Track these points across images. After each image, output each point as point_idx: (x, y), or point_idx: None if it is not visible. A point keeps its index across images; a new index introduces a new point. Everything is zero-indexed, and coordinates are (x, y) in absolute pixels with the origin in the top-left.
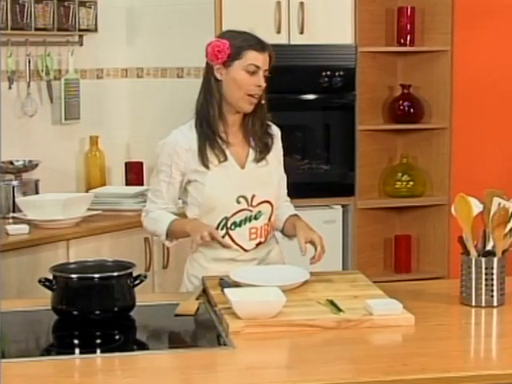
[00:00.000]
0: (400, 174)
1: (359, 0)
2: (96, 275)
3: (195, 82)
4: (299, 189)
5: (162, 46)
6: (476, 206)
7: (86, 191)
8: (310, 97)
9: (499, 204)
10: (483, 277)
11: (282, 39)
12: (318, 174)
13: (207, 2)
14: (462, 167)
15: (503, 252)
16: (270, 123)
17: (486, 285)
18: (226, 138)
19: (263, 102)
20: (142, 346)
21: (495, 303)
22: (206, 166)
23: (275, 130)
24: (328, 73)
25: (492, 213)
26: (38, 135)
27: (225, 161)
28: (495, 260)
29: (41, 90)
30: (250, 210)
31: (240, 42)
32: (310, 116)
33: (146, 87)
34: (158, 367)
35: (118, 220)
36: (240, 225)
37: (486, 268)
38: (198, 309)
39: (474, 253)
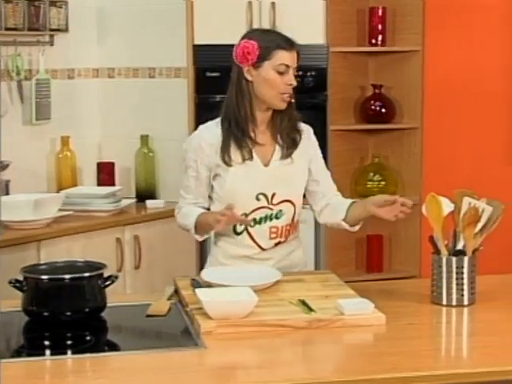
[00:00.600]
0: (372, 174)
1: (330, 0)
2: (67, 276)
3: (167, 81)
4: None
5: (134, 45)
6: (447, 206)
7: (58, 192)
8: None
9: (470, 204)
10: (454, 276)
11: None
12: None
13: (179, 2)
14: (433, 167)
15: (474, 251)
16: (301, 124)
17: (457, 284)
18: (254, 138)
19: (292, 100)
20: (114, 347)
21: (466, 302)
22: (227, 164)
23: (305, 128)
24: (299, 73)
25: (462, 212)
26: (9, 135)
27: (250, 159)
28: (466, 259)
29: (11, 90)
30: (271, 209)
31: (268, 42)
32: None
33: (118, 87)
34: (130, 368)
35: (89, 220)
36: (260, 222)
37: (456, 267)
38: (169, 309)
39: (444, 252)
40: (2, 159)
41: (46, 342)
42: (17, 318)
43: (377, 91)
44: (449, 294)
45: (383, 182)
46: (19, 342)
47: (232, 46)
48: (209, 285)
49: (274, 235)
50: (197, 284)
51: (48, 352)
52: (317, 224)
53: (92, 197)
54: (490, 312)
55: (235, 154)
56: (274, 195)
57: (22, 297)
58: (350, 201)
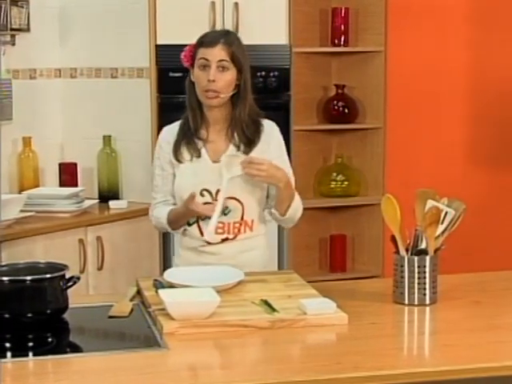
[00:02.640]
0: (335, 174)
1: (293, 0)
2: (28, 277)
3: (129, 82)
4: None
5: (96, 46)
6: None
7: (19, 192)
8: None
9: (431, 204)
10: (416, 275)
11: None
12: None
13: (141, 2)
14: (395, 167)
15: (435, 250)
16: (263, 121)
17: (419, 283)
18: (205, 136)
19: (248, 94)
20: (76, 349)
21: (428, 301)
22: (179, 161)
23: (268, 126)
24: (263, 73)
25: (424, 212)
26: None
27: (198, 157)
28: (427, 259)
29: None
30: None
31: (197, 43)
32: None
33: (80, 87)
34: (92, 369)
35: (51, 221)
36: (209, 216)
37: (418, 267)
38: (131, 310)
39: (403, 252)
40: None
41: (7, 344)
42: None
43: (340, 91)
44: (411, 294)
45: (346, 182)
46: None
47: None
48: (171, 285)
49: (220, 230)
50: (159, 285)
51: (9, 354)
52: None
53: (54, 197)
54: (452, 311)
55: (184, 151)
56: (218, 192)
57: None
58: None
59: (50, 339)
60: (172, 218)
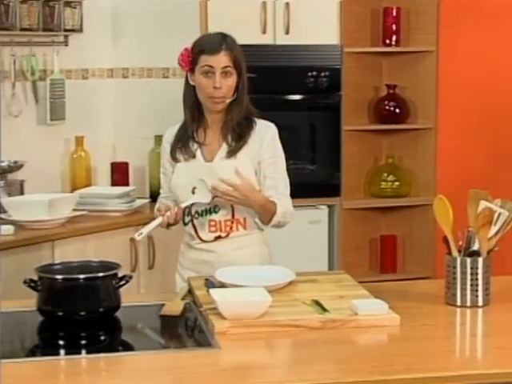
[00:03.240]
0: (386, 175)
1: (345, 0)
2: (81, 276)
3: (180, 82)
4: None
5: (148, 46)
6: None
7: (72, 192)
8: (296, 97)
9: (484, 205)
10: (468, 277)
11: (267, 39)
12: (304, 174)
13: (193, 3)
14: (447, 167)
15: (488, 252)
16: (259, 121)
17: (471, 285)
18: (201, 138)
19: (245, 96)
20: (128, 347)
21: (480, 303)
22: (175, 160)
23: (261, 129)
24: (314, 73)
25: (477, 213)
26: (24, 136)
27: (193, 158)
28: (480, 260)
29: (26, 90)
30: (206, 203)
31: (196, 48)
32: (295, 116)
33: (132, 87)
34: (144, 368)
35: (103, 220)
36: (202, 215)
37: (471, 268)
38: (183, 309)
39: (455, 253)
40: (17, 159)
41: (61, 342)
42: (31, 318)
43: (391, 91)
44: (463, 295)
45: (397, 183)
46: (34, 341)
47: (246, 46)
48: (223, 285)
49: (213, 228)
50: (211, 284)
51: (62, 352)
52: (330, 224)
53: (106, 197)
54: (505, 313)
55: (180, 153)
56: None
57: (36, 296)
58: None
59: (102, 337)
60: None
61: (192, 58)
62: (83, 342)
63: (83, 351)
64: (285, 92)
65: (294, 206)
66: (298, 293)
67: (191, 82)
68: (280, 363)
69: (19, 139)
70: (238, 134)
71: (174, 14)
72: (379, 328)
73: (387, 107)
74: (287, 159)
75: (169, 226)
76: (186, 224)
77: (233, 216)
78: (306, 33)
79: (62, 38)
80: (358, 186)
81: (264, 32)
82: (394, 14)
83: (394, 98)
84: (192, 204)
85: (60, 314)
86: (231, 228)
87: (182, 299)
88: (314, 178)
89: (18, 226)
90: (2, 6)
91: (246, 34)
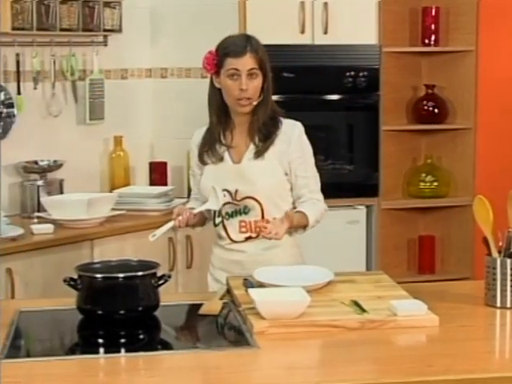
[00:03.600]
0: (424, 175)
1: (383, 0)
2: (120, 275)
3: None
4: (323, 189)
5: (186, 46)
6: None
7: (110, 191)
8: (334, 97)
9: None
10: (508, 278)
11: (305, 39)
12: (342, 174)
13: (231, 2)
14: (486, 168)
15: None
16: (284, 120)
17: None
18: (228, 141)
19: (270, 96)
20: (166, 346)
21: None
22: (203, 163)
23: (288, 129)
24: (352, 73)
25: None
26: (63, 135)
27: (221, 161)
28: None
29: (65, 90)
30: (236, 204)
31: (221, 51)
32: (333, 116)
33: (170, 87)
34: (182, 367)
35: (141, 220)
36: (232, 216)
37: (511, 269)
38: (222, 309)
39: (495, 254)
40: (56, 159)
41: (100, 340)
42: (71, 316)
43: (429, 91)
44: (503, 296)
45: (435, 183)
46: (73, 339)
47: (284, 46)
48: (261, 285)
49: (243, 229)
50: (249, 284)
51: (102, 350)
52: (368, 225)
53: (144, 196)
54: None
55: (208, 156)
56: (236, 191)
57: (76, 295)
58: (299, 208)
59: (141, 336)
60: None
61: (217, 60)
62: (122, 340)
63: (122, 350)
64: (323, 92)
65: (332, 206)
66: (336, 293)
67: (216, 85)
68: (318, 363)
69: (59, 139)
70: (264, 135)
71: (212, 13)
72: (418, 329)
73: (426, 107)
74: (325, 159)
75: (181, 228)
76: (216, 225)
77: (263, 217)
78: (344, 33)
79: (101, 38)
80: (396, 187)
81: (302, 32)
82: (433, 13)
83: (433, 97)
84: (207, 210)
85: (99, 312)
86: (261, 229)
87: (221, 299)
88: (352, 178)
89: (58, 224)
90: (43, 6)
91: (285, 34)
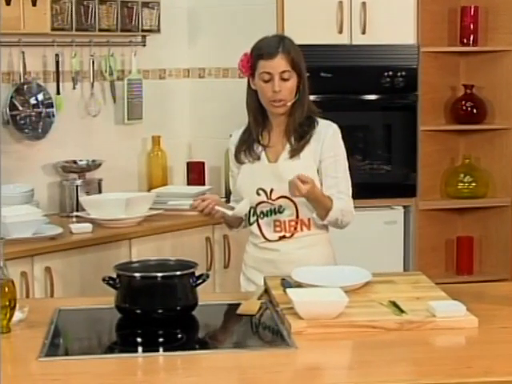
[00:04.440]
0: (462, 175)
1: (422, 0)
2: (159, 274)
3: None
4: (360, 189)
5: (224, 46)
6: None
7: (148, 191)
8: (372, 97)
9: None
10: None
11: (343, 39)
12: (380, 174)
13: (269, 2)
14: None
15: None
16: (320, 121)
17: None
18: (266, 141)
19: (306, 95)
20: (204, 345)
21: None
22: (240, 162)
23: (322, 128)
24: (390, 73)
25: None
26: (101, 135)
27: (258, 160)
28: None
29: (104, 90)
30: (271, 204)
31: (254, 53)
32: (371, 116)
33: (208, 87)
34: (220, 367)
35: (179, 219)
36: (267, 215)
37: None
38: (259, 308)
39: None
40: (95, 158)
41: (138, 339)
42: (109, 315)
43: (468, 91)
44: None
45: (474, 184)
46: (112, 338)
47: (322, 46)
48: (299, 285)
49: (278, 228)
50: (287, 284)
51: (140, 349)
52: (406, 225)
53: (182, 196)
54: None
55: (244, 156)
56: (272, 191)
57: (115, 294)
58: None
59: (179, 335)
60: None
61: (251, 63)
62: (160, 339)
63: (160, 349)
64: (361, 92)
65: (370, 207)
66: (374, 293)
67: (253, 87)
68: (356, 364)
69: (97, 139)
70: (300, 134)
71: (250, 13)
72: (457, 330)
73: (464, 107)
74: (363, 159)
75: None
76: (251, 224)
77: (297, 216)
78: (382, 33)
79: (139, 39)
80: (434, 187)
81: (340, 32)
82: (472, 12)
83: (472, 98)
84: (255, 208)
85: (138, 311)
86: (295, 228)
87: (258, 299)
88: (389, 178)
89: (96, 224)
90: (82, 7)
91: (322, 34)
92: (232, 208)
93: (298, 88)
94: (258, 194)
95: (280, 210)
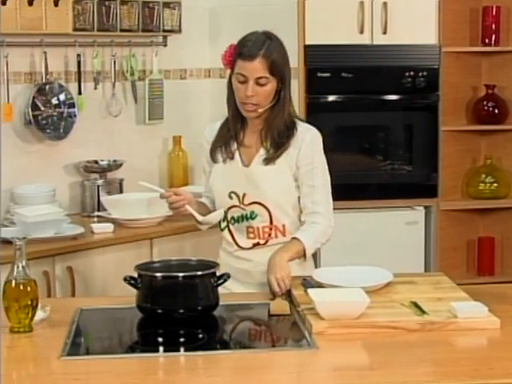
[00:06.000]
0: (484, 176)
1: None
2: (180, 274)
3: None
4: (381, 190)
5: None
6: None
7: None
8: (393, 97)
9: None
10: None
11: (364, 39)
12: (401, 174)
13: (290, 2)
14: None
15: None
16: (300, 126)
17: None
18: (242, 139)
19: (287, 101)
20: (225, 345)
21: None
22: (214, 161)
23: (300, 134)
24: (411, 73)
25: None
26: (123, 135)
27: (231, 159)
28: None
29: (125, 90)
30: (243, 209)
31: (237, 49)
32: (392, 116)
33: None
34: (241, 367)
35: None
36: (238, 221)
37: None
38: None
39: None
40: (116, 158)
41: (159, 339)
42: (130, 315)
43: (490, 91)
44: None
45: (495, 184)
46: (133, 338)
47: (343, 46)
48: (320, 285)
49: (251, 235)
50: (308, 284)
51: (161, 349)
52: (427, 226)
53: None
54: None
55: (220, 152)
56: (244, 195)
57: (136, 294)
58: (296, 234)
59: (200, 335)
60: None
61: (233, 58)
62: (182, 339)
63: (181, 349)
64: (382, 92)
65: (391, 207)
66: (395, 294)
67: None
68: (377, 365)
69: (119, 139)
70: (277, 143)
71: (271, 13)
72: (479, 331)
73: (486, 107)
74: (383, 160)
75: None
76: (222, 229)
77: (271, 222)
78: (403, 33)
79: (160, 39)
80: (455, 187)
81: (361, 32)
82: (494, 12)
83: (493, 98)
84: (226, 212)
85: (159, 311)
86: (270, 235)
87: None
88: (410, 178)
89: (117, 224)
90: (103, 7)
91: (344, 34)
92: (203, 205)
93: (279, 93)
94: (231, 197)
95: (252, 216)
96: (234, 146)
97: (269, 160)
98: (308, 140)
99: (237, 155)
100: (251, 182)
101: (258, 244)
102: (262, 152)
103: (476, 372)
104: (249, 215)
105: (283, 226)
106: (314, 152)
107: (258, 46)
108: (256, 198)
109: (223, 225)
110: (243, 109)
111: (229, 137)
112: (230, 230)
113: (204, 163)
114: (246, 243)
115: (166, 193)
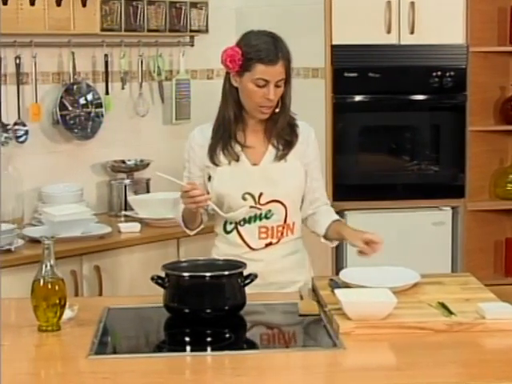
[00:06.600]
0: (511, 176)
1: None
2: (207, 274)
3: (304, 82)
4: (408, 190)
5: None
6: None
7: None
8: (420, 97)
9: None
10: None
11: (392, 39)
12: (428, 175)
13: (317, 3)
14: None
15: None
16: (298, 122)
17: None
18: (243, 140)
19: (289, 102)
20: (252, 345)
21: None
22: (216, 164)
23: (304, 128)
24: (438, 73)
25: None
26: (150, 135)
27: (236, 161)
28: None
29: (152, 90)
30: (259, 208)
31: (251, 53)
32: (419, 116)
33: None
34: (268, 366)
35: None
36: (249, 222)
37: None
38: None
39: None
40: (143, 158)
41: (187, 339)
42: (157, 314)
43: None
44: None
45: None
46: (160, 337)
47: (370, 46)
48: (347, 285)
49: (263, 235)
50: (335, 284)
51: (188, 348)
52: (454, 226)
53: None
54: None
55: (222, 155)
56: (261, 195)
57: (163, 293)
58: (331, 218)
59: (227, 335)
60: (185, 216)
61: (243, 62)
62: (209, 339)
63: (208, 348)
64: (409, 92)
65: (418, 207)
66: (423, 295)
67: (234, 83)
68: (405, 365)
69: (145, 138)
70: (285, 140)
71: (298, 13)
72: (507, 332)
73: None
74: (410, 160)
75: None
76: (228, 232)
77: (285, 221)
78: (431, 32)
79: (187, 39)
80: (482, 188)
81: (389, 32)
82: None
83: None
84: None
85: (186, 311)
86: (282, 234)
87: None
88: (437, 179)
89: (144, 223)
90: (131, 7)
91: (371, 34)
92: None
93: (284, 92)
94: (244, 198)
95: (267, 216)
96: (237, 147)
97: (280, 157)
98: (312, 137)
99: (242, 156)
100: (268, 180)
101: (270, 244)
102: (271, 150)
103: (504, 373)
104: (263, 215)
105: (293, 223)
106: (317, 148)
107: (274, 49)
108: (274, 195)
109: (230, 227)
110: (260, 111)
111: (227, 138)
112: (238, 232)
113: (190, 169)
114: (257, 244)
115: (188, 186)
